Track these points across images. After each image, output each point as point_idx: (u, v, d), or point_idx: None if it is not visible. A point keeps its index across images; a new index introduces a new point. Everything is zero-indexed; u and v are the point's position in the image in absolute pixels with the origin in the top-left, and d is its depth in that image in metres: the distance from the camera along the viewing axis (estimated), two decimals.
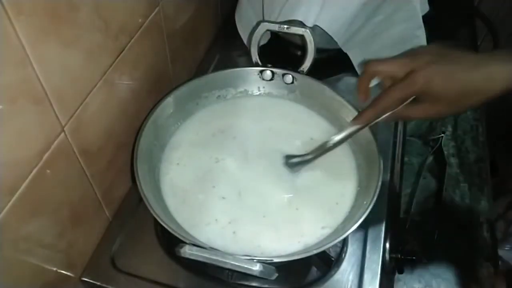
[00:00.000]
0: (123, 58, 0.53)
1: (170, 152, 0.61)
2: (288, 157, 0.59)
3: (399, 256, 0.59)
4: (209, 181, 0.58)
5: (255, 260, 0.45)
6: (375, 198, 0.50)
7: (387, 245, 0.57)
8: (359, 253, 0.56)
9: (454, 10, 1.00)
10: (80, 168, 0.50)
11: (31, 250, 0.45)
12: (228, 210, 0.55)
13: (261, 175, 0.58)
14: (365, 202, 0.51)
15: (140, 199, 0.51)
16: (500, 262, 0.99)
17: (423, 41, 0.73)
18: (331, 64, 0.76)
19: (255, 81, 0.67)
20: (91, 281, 0.55)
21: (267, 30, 0.65)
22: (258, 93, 0.67)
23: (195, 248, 0.46)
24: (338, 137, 0.55)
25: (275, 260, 0.47)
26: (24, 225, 0.43)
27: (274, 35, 0.77)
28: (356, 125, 0.53)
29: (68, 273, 0.53)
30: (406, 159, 0.74)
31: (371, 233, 0.57)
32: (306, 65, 0.64)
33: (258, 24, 0.65)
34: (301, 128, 0.64)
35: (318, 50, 0.63)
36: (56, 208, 0.47)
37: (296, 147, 0.61)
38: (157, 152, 0.59)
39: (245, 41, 0.80)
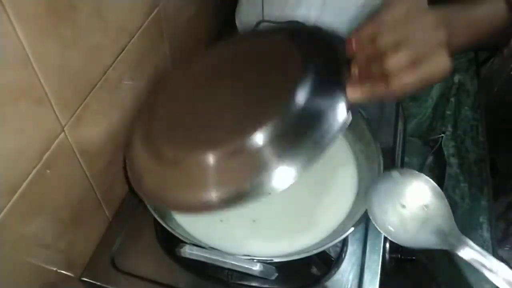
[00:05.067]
0: (123, 58, 0.53)
1: None
2: None
3: (399, 256, 0.59)
4: None
5: (255, 260, 0.45)
6: None
7: (387, 245, 0.57)
8: (359, 253, 0.56)
9: None
10: (80, 168, 0.50)
11: (31, 250, 0.45)
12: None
13: None
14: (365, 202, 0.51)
15: (140, 199, 0.51)
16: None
17: None
18: None
19: None
20: (91, 281, 0.55)
21: None
22: None
23: (195, 248, 0.46)
24: None
25: (275, 260, 0.47)
26: (24, 225, 0.43)
27: None
28: None
29: (68, 273, 0.53)
30: (406, 159, 0.75)
31: (371, 233, 0.57)
32: None
33: (258, 24, 0.65)
34: None
35: None
36: (56, 208, 0.47)
37: None
38: None
39: None
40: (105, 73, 0.50)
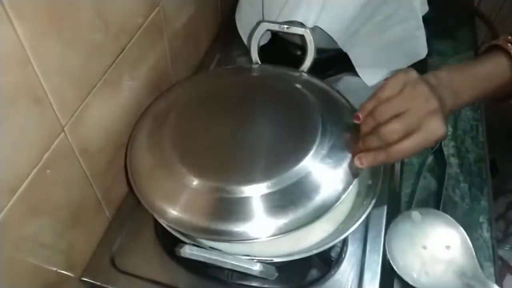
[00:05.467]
0: (123, 58, 0.53)
1: None
2: None
3: None
4: None
5: (255, 260, 0.45)
6: (375, 198, 0.50)
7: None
8: (359, 253, 0.56)
9: (454, 10, 1.00)
10: (80, 168, 0.50)
11: (31, 250, 0.45)
12: None
13: None
14: (365, 202, 0.51)
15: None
16: (500, 262, 0.99)
17: (423, 41, 0.73)
18: (331, 64, 0.76)
19: None
20: (91, 281, 0.55)
21: (267, 30, 0.65)
22: None
23: (195, 248, 0.46)
24: None
25: (275, 260, 0.47)
26: (24, 225, 0.43)
27: (274, 35, 0.77)
28: None
29: (68, 273, 0.53)
30: (406, 159, 0.74)
31: (371, 233, 0.57)
32: (306, 65, 0.64)
33: (258, 24, 0.65)
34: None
35: (318, 50, 0.63)
36: (56, 208, 0.47)
37: None
38: None
39: (245, 41, 0.80)
40: (105, 73, 0.50)
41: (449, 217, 0.55)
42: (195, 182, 0.48)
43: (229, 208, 0.47)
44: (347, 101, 0.58)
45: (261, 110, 0.57)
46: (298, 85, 0.60)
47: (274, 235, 0.46)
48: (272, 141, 0.53)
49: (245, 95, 0.60)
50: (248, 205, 0.47)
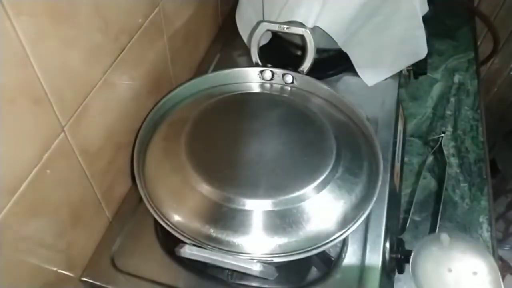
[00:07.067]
0: (123, 58, 0.53)
1: None
2: None
3: (399, 256, 0.59)
4: None
5: (255, 260, 0.45)
6: (375, 198, 0.50)
7: (387, 245, 0.57)
8: (359, 253, 0.56)
9: (454, 10, 1.00)
10: (80, 168, 0.50)
11: (31, 250, 0.45)
12: None
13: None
14: (364, 202, 0.51)
15: (140, 199, 0.51)
16: (500, 262, 0.99)
17: (423, 41, 0.73)
18: (331, 64, 0.76)
19: (255, 81, 0.67)
20: (91, 281, 0.55)
21: (267, 30, 0.65)
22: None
23: (195, 248, 0.46)
24: None
25: (275, 260, 0.47)
26: (24, 225, 0.43)
27: (274, 35, 0.77)
28: None
29: (68, 273, 0.53)
30: (406, 159, 0.75)
31: (371, 233, 0.57)
32: (306, 65, 0.64)
33: (258, 24, 0.65)
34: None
35: (318, 50, 0.63)
36: (56, 208, 0.47)
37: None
38: None
39: (245, 40, 0.80)
40: (105, 73, 0.50)
41: (480, 243, 0.54)
42: (202, 187, 0.49)
43: (230, 218, 0.48)
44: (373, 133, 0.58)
45: (281, 129, 0.58)
46: (319, 114, 0.60)
47: (267, 254, 0.47)
48: (284, 162, 0.53)
49: (268, 113, 0.60)
50: (248, 219, 0.48)
